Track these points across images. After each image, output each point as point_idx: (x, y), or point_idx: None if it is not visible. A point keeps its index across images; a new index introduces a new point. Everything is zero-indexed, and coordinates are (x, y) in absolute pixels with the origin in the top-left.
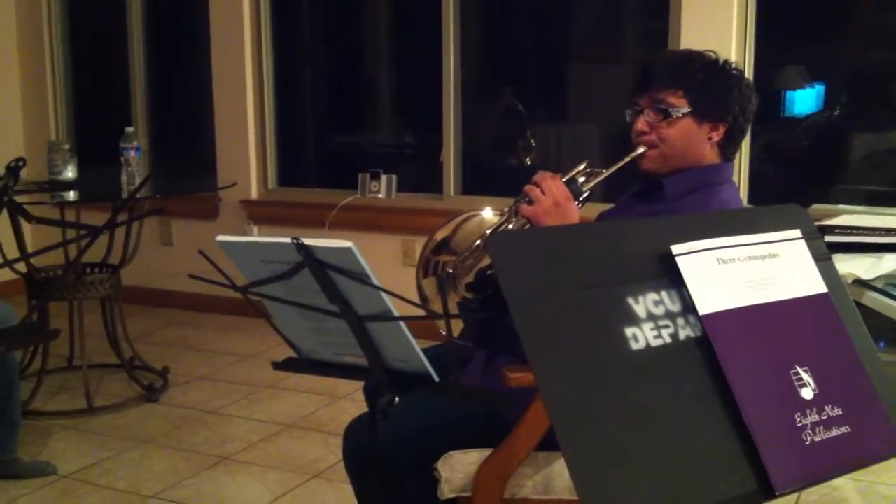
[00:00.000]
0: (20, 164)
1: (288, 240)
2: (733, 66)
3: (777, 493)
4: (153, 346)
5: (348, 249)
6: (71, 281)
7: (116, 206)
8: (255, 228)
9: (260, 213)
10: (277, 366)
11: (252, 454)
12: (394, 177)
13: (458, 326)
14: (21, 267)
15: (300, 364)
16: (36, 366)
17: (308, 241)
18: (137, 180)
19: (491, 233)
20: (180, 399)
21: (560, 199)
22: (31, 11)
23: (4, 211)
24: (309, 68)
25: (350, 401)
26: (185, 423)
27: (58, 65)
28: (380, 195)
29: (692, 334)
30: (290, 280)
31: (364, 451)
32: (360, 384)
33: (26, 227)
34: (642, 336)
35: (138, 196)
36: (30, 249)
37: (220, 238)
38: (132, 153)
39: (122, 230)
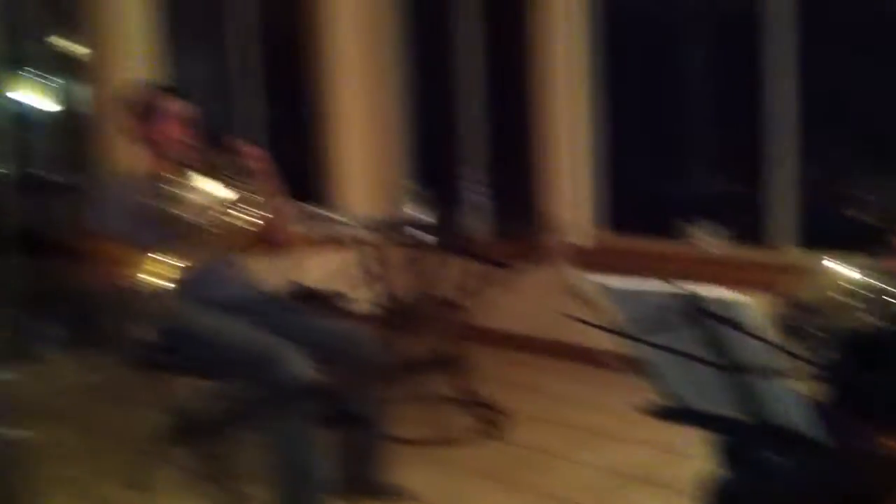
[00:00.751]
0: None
1: (680, 287)
2: None
3: None
4: (496, 384)
5: (744, 302)
6: (424, 315)
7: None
8: (584, 276)
9: (589, 259)
10: (650, 412)
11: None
12: (721, 227)
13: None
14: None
15: (674, 413)
16: (389, 394)
17: (702, 291)
18: (482, 223)
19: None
20: (522, 438)
21: None
22: (379, 56)
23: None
24: (640, 115)
25: (687, 456)
26: (526, 463)
27: (405, 108)
28: (707, 246)
29: None
30: (675, 327)
31: None
32: (697, 438)
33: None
34: None
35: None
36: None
37: (607, 281)
38: (476, 197)
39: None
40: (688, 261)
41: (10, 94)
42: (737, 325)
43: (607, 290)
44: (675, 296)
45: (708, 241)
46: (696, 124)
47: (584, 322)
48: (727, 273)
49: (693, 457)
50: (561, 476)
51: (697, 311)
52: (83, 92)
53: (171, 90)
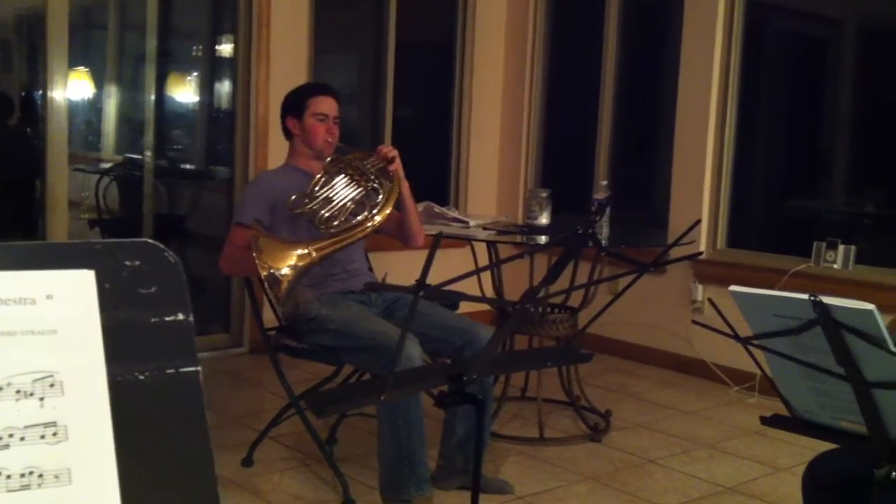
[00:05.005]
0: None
1: (805, 296)
2: None
3: None
4: (596, 388)
5: (870, 312)
6: (536, 317)
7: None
8: (700, 287)
9: (706, 272)
10: (766, 421)
11: None
12: (852, 248)
13: None
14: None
15: (790, 422)
16: (496, 392)
17: (826, 300)
18: (606, 230)
19: None
20: (621, 443)
21: None
22: (515, 72)
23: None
24: (767, 131)
25: (792, 474)
26: (626, 467)
27: (534, 118)
28: (835, 265)
29: None
30: (799, 336)
31: None
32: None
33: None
34: None
35: (609, 246)
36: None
37: (734, 288)
38: (600, 205)
39: (581, 276)
40: (808, 277)
41: (169, 93)
42: (863, 335)
43: (733, 294)
44: (801, 302)
45: (835, 259)
46: (839, 150)
47: (710, 328)
48: (850, 292)
49: (793, 474)
50: (660, 481)
51: (825, 318)
52: (234, 90)
53: (323, 89)
